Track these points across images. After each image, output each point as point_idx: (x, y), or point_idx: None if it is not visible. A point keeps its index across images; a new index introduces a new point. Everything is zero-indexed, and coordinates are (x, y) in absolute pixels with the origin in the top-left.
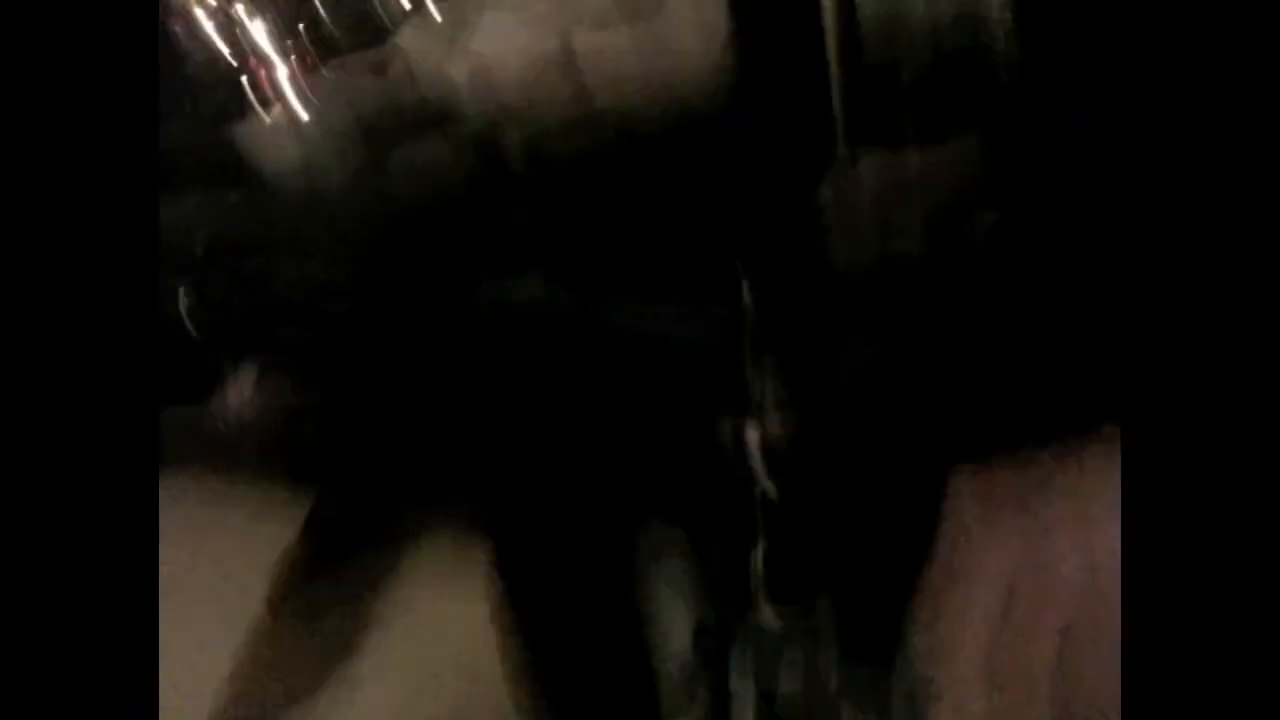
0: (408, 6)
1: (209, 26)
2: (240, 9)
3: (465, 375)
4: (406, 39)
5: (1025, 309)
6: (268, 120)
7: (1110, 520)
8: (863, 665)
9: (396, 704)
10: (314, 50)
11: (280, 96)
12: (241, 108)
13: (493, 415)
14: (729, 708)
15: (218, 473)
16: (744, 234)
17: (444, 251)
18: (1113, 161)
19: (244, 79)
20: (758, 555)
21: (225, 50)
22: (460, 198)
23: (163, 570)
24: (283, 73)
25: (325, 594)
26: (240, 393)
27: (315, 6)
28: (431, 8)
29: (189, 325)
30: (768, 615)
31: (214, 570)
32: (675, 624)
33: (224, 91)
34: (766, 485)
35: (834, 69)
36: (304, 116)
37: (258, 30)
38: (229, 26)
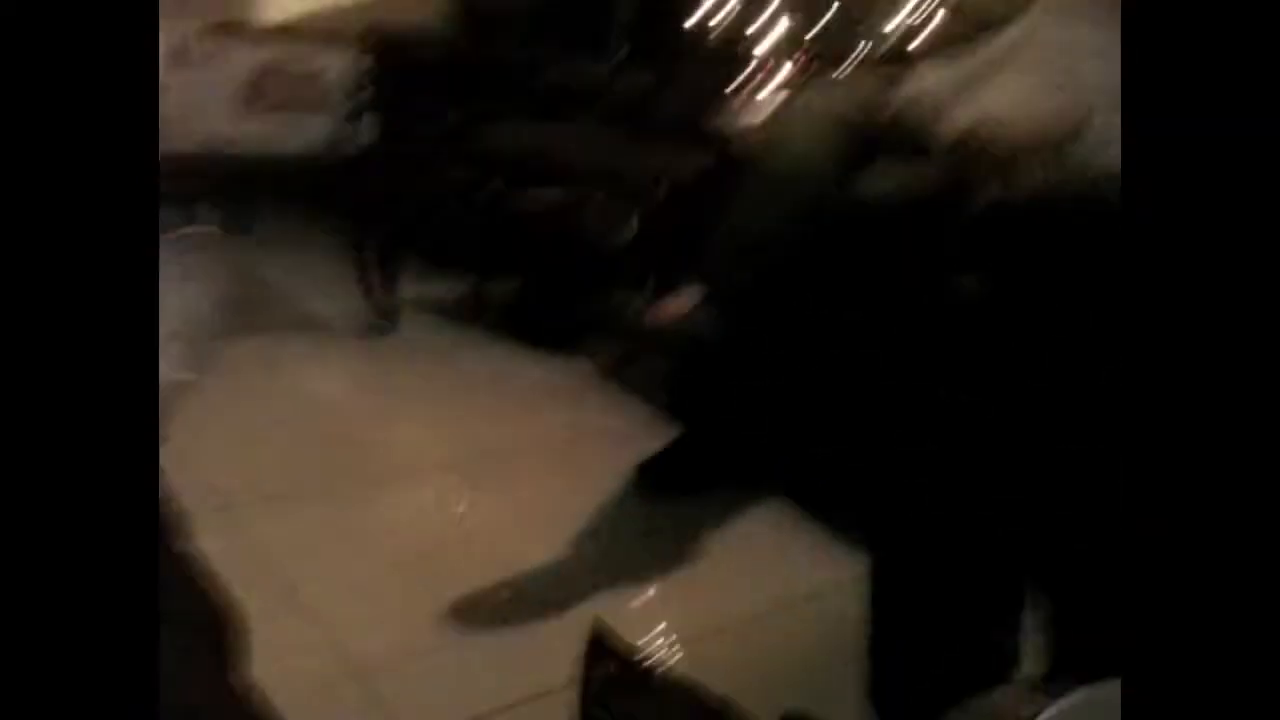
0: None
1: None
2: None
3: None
4: (923, 74)
5: None
6: (761, 104)
7: None
8: None
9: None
10: (815, 58)
11: (776, 87)
12: (739, 87)
13: (906, 409)
14: None
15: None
16: None
17: (890, 251)
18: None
19: (751, 64)
20: None
21: (743, 33)
22: (921, 214)
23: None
24: (785, 69)
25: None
26: (680, 306)
27: (829, 23)
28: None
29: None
30: None
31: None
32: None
33: (726, 69)
34: None
35: None
36: (792, 109)
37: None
38: (747, 17)
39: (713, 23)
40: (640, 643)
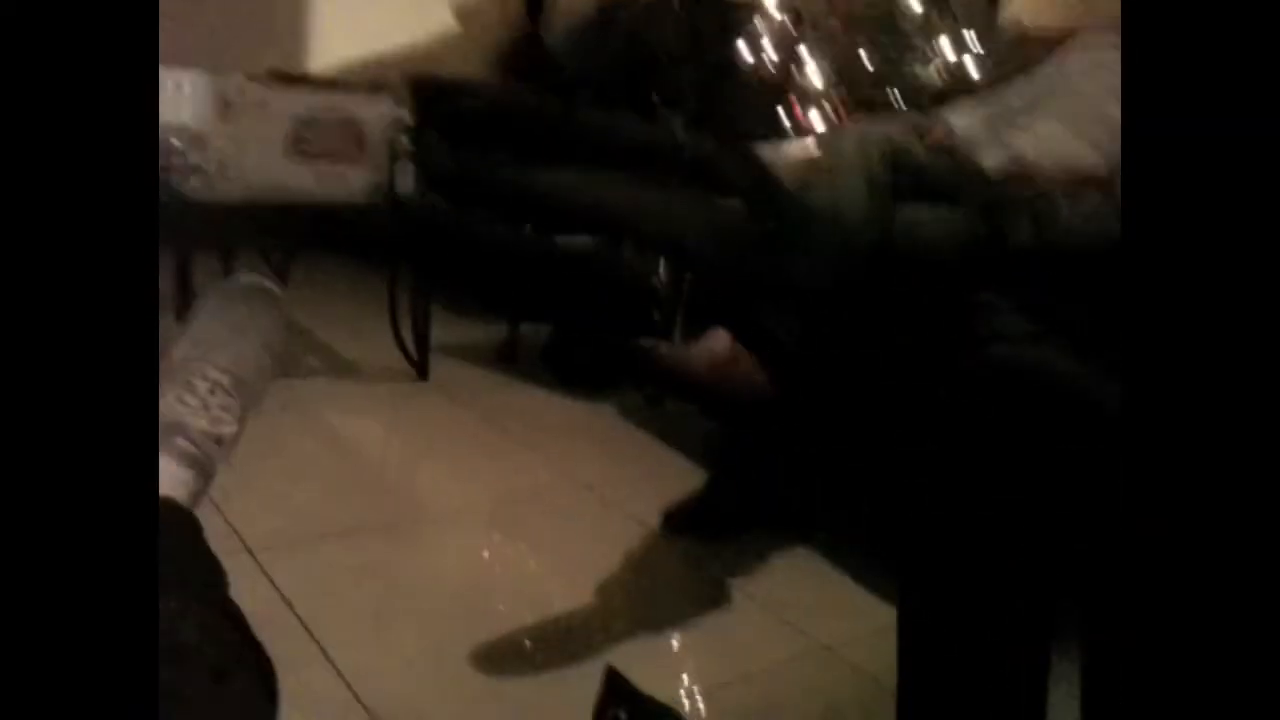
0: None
1: (771, 50)
2: (804, 47)
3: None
4: (953, 117)
5: None
6: (794, 143)
7: None
8: None
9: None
10: (851, 102)
11: (808, 127)
12: (771, 126)
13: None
14: None
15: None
16: None
17: (927, 294)
18: None
19: (783, 103)
20: None
21: (774, 73)
22: (954, 260)
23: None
24: (820, 110)
25: (690, 556)
26: (714, 348)
27: (863, 66)
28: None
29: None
30: None
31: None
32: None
33: (762, 107)
34: None
35: None
36: (819, 150)
37: (812, 69)
38: (789, 56)
39: (748, 67)
40: (665, 689)
